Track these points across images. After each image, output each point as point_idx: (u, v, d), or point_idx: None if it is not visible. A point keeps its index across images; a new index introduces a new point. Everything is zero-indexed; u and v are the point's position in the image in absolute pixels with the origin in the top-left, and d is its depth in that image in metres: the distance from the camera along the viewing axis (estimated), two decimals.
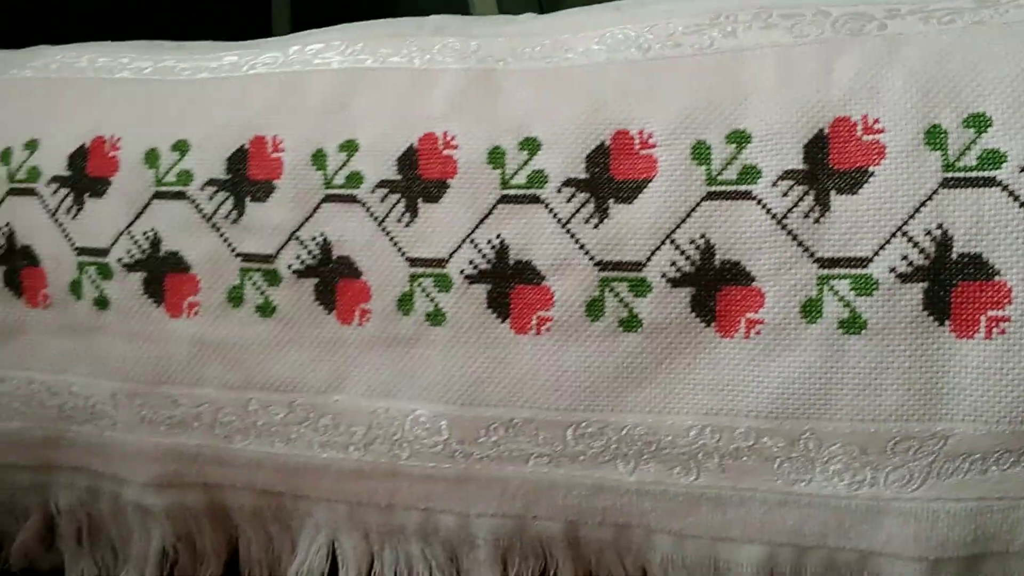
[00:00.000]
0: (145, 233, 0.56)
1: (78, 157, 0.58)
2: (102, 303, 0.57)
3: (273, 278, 0.54)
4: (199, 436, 0.58)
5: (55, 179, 0.58)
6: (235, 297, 0.55)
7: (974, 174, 0.44)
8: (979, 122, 0.45)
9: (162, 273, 0.56)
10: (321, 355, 0.55)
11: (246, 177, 0.55)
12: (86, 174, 0.58)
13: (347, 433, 0.55)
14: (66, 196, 0.58)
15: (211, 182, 0.55)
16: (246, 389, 0.56)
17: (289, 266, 0.54)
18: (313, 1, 1.17)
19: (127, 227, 0.57)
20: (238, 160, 0.55)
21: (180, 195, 0.56)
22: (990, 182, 0.44)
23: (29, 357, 0.60)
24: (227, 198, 0.55)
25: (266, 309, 0.55)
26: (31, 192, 0.58)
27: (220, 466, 0.58)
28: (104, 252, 0.57)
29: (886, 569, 0.49)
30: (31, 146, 0.59)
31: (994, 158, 0.44)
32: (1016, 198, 0.43)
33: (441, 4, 0.62)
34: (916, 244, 0.45)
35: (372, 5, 0.64)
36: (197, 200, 0.55)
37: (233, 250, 0.55)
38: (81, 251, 0.57)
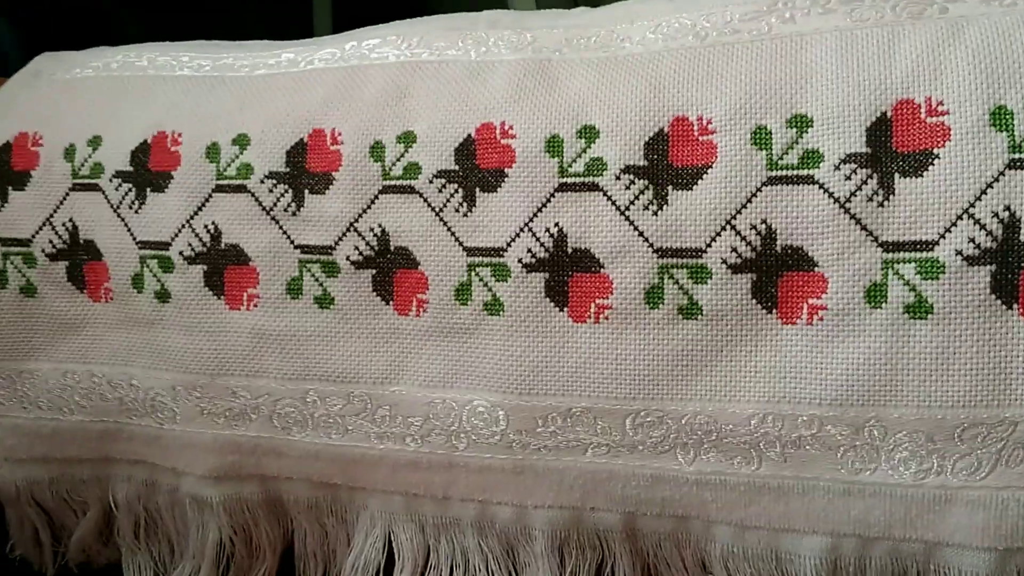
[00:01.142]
0: (206, 226, 0.57)
1: (140, 152, 0.59)
2: (163, 296, 0.58)
3: (331, 269, 0.55)
4: (257, 427, 0.58)
5: (118, 174, 0.59)
6: (294, 289, 0.56)
7: None
8: None
9: (222, 265, 0.57)
10: (378, 346, 0.55)
11: (305, 170, 0.55)
12: (148, 169, 0.59)
13: (404, 424, 0.55)
14: (128, 191, 0.59)
15: (271, 175, 0.56)
16: (304, 380, 0.57)
17: (347, 257, 0.54)
18: (354, 3, 1.18)
19: (188, 220, 0.57)
20: (297, 153, 0.56)
21: (240, 188, 0.56)
22: None
23: (91, 351, 0.61)
24: (286, 190, 0.56)
25: (324, 300, 0.55)
26: (94, 187, 0.60)
27: (277, 458, 0.59)
28: (165, 245, 0.58)
29: (953, 560, 0.48)
30: (94, 143, 0.60)
31: None
32: None
33: (477, 2, 0.63)
34: (983, 226, 0.44)
35: (409, 9, 0.64)
36: (257, 193, 0.56)
37: (292, 242, 0.56)
38: (143, 244, 0.58)
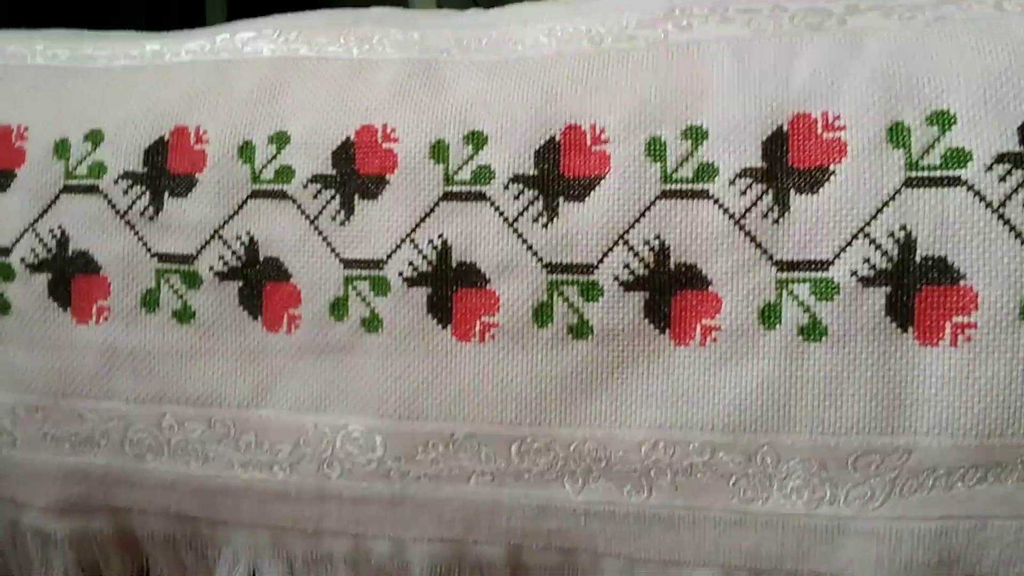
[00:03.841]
0: (52, 230, 0.52)
1: None
2: (2, 307, 0.53)
3: (193, 280, 0.50)
4: (107, 455, 0.53)
5: None
6: (150, 301, 0.51)
7: (938, 173, 0.42)
8: (943, 119, 0.43)
9: (69, 274, 0.52)
10: (244, 365, 0.51)
11: (165, 170, 0.51)
12: None
13: (271, 451, 0.51)
14: None
15: (126, 175, 0.51)
16: (160, 403, 0.52)
17: (211, 267, 0.50)
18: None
19: (32, 224, 0.52)
20: (157, 152, 0.51)
21: (92, 189, 0.51)
22: (955, 182, 0.42)
23: None
24: (143, 193, 0.51)
25: (184, 314, 0.50)
26: None
27: (130, 488, 0.54)
28: (6, 251, 0.52)
29: None
30: None
31: (959, 157, 0.42)
32: (982, 198, 0.42)
33: (376, 1, 0.60)
34: (878, 246, 0.43)
35: (311, 4, 0.61)
36: (110, 195, 0.51)
37: (149, 250, 0.51)
38: None
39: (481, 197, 0.47)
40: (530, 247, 0.46)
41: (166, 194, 0.50)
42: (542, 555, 0.51)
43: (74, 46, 0.58)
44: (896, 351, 0.43)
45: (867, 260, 0.43)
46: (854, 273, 0.43)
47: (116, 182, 0.51)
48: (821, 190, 0.44)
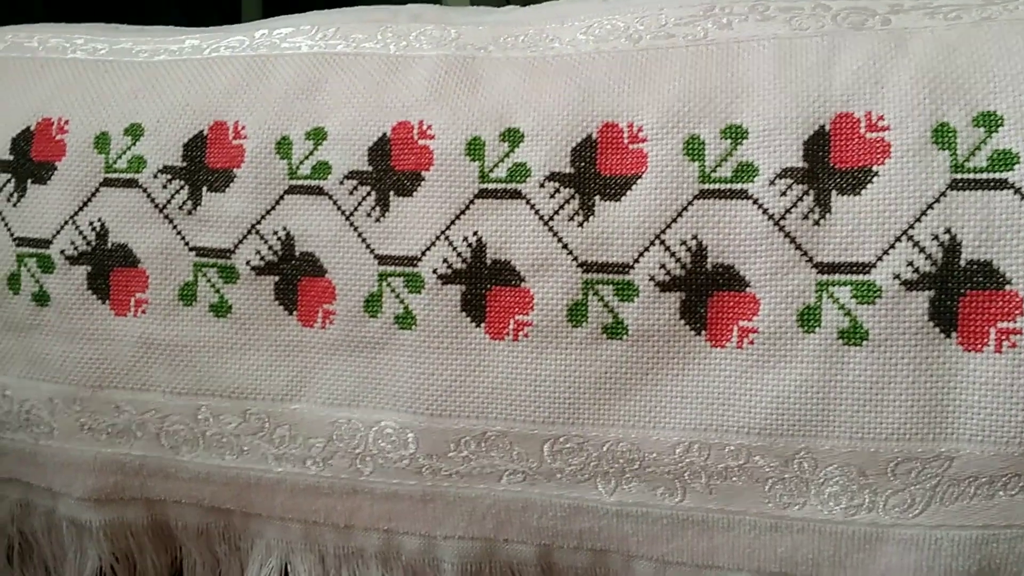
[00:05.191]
0: (91, 223, 0.52)
1: (22, 140, 0.54)
2: (42, 299, 0.53)
3: (229, 275, 0.50)
4: (143, 446, 0.53)
5: None
6: (187, 295, 0.51)
7: (984, 175, 0.42)
8: (990, 121, 0.42)
9: (108, 267, 0.52)
10: (279, 359, 0.51)
11: (204, 165, 0.51)
12: (30, 158, 0.53)
13: (305, 445, 0.51)
14: (7, 182, 0.53)
15: (165, 169, 0.51)
16: (196, 395, 0.52)
17: (247, 262, 0.50)
18: None
19: (72, 216, 0.52)
20: (196, 146, 0.51)
21: (131, 183, 0.52)
22: (1001, 184, 0.41)
23: None
24: (182, 187, 0.51)
25: (221, 308, 0.51)
26: None
27: (165, 480, 0.54)
28: (46, 243, 0.53)
29: None
30: None
31: (1005, 159, 0.41)
32: None
33: None
34: (922, 249, 0.42)
35: (347, 1, 0.60)
36: (149, 189, 0.51)
37: (187, 244, 0.51)
38: (21, 241, 0.53)
39: (517, 195, 0.47)
40: (565, 246, 0.46)
41: (204, 188, 0.51)
42: (573, 555, 0.50)
43: (113, 40, 0.59)
44: (939, 356, 0.42)
45: (910, 263, 0.42)
46: (897, 276, 0.42)
47: (155, 176, 0.51)
48: (864, 191, 0.43)
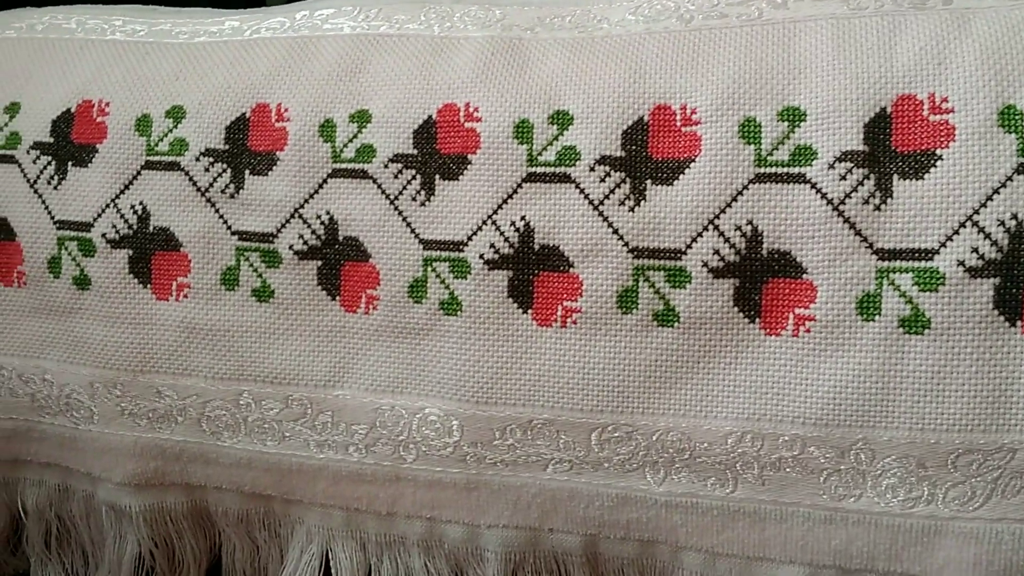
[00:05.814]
0: (133, 207, 0.52)
1: (63, 122, 0.53)
2: (83, 282, 0.53)
3: (272, 259, 0.50)
4: (183, 431, 0.53)
5: (36, 145, 0.53)
6: (229, 279, 0.51)
7: None
8: None
9: (150, 251, 0.51)
10: (322, 345, 0.50)
11: (246, 148, 0.50)
12: (71, 140, 0.53)
13: (347, 432, 0.50)
14: (48, 164, 0.53)
15: (207, 152, 0.51)
16: (238, 380, 0.51)
17: (290, 246, 0.49)
18: None
19: (113, 200, 0.52)
20: (238, 129, 0.51)
21: (173, 166, 0.51)
22: None
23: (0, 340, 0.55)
24: (224, 170, 0.50)
25: (263, 293, 0.50)
26: (10, 159, 0.54)
27: (205, 465, 0.54)
28: (87, 226, 0.52)
29: None
30: (12, 110, 0.55)
31: None
32: None
33: None
34: (987, 235, 0.41)
35: None
36: (191, 171, 0.51)
37: (229, 227, 0.50)
38: (62, 224, 0.53)
39: (566, 179, 0.46)
40: (615, 231, 0.45)
41: (247, 172, 0.50)
42: (620, 546, 0.50)
43: (152, 21, 0.58)
44: (1003, 346, 0.41)
45: (975, 250, 0.41)
46: (961, 263, 0.41)
47: (198, 159, 0.51)
48: (927, 175, 0.42)
